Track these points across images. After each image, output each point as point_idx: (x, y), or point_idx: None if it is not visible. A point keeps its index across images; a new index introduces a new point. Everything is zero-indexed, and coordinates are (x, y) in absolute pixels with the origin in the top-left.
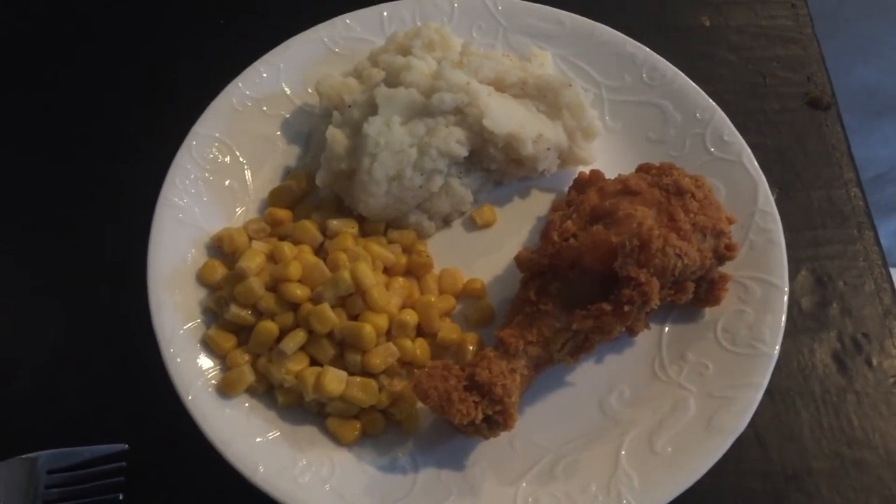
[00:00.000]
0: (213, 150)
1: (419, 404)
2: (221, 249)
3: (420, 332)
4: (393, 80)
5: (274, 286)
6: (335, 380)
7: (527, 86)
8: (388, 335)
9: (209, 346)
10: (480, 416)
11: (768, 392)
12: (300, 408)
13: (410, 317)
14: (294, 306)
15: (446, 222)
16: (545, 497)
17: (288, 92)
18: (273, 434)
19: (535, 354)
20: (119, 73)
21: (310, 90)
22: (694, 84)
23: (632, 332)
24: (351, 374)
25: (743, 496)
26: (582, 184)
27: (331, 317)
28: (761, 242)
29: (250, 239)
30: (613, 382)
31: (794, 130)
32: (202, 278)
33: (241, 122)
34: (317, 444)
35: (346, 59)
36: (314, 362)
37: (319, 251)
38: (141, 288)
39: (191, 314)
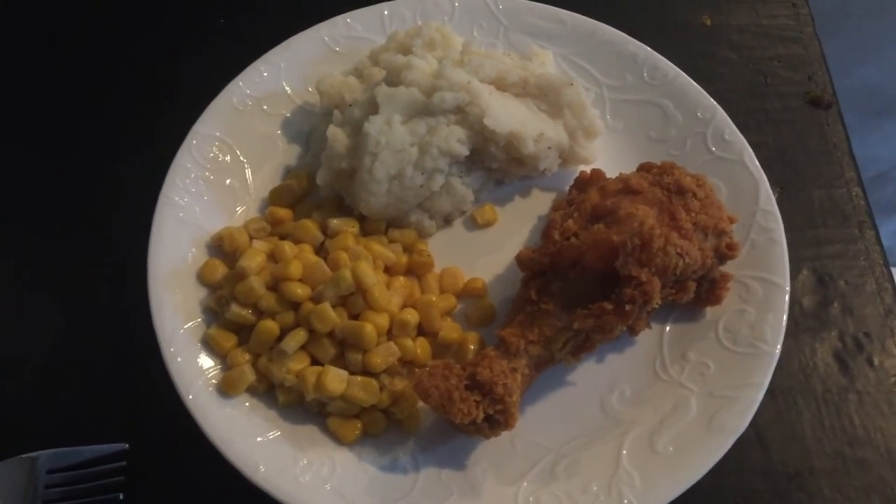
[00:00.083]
0: (214, 149)
1: (420, 404)
2: (222, 248)
3: (421, 331)
4: (394, 79)
5: (274, 285)
6: (336, 379)
7: (528, 85)
8: (389, 334)
9: (210, 346)
10: (481, 416)
11: (770, 391)
12: (301, 407)
13: (411, 316)
14: (295, 305)
15: (447, 221)
16: (546, 496)
17: (288, 91)
18: (274, 433)
19: (537, 354)
20: (119, 73)
21: (310, 89)
22: (695, 83)
23: (633, 331)
24: (352, 373)
25: (744, 495)
26: (583, 183)
27: (331, 316)
28: (762, 242)
29: (251, 238)
30: (614, 382)
31: (795, 129)
32: (203, 277)
33: (241, 121)
34: (318, 443)
35: (347, 58)
36: (315, 362)
37: (320, 250)
38: (141, 287)
39: (191, 313)
